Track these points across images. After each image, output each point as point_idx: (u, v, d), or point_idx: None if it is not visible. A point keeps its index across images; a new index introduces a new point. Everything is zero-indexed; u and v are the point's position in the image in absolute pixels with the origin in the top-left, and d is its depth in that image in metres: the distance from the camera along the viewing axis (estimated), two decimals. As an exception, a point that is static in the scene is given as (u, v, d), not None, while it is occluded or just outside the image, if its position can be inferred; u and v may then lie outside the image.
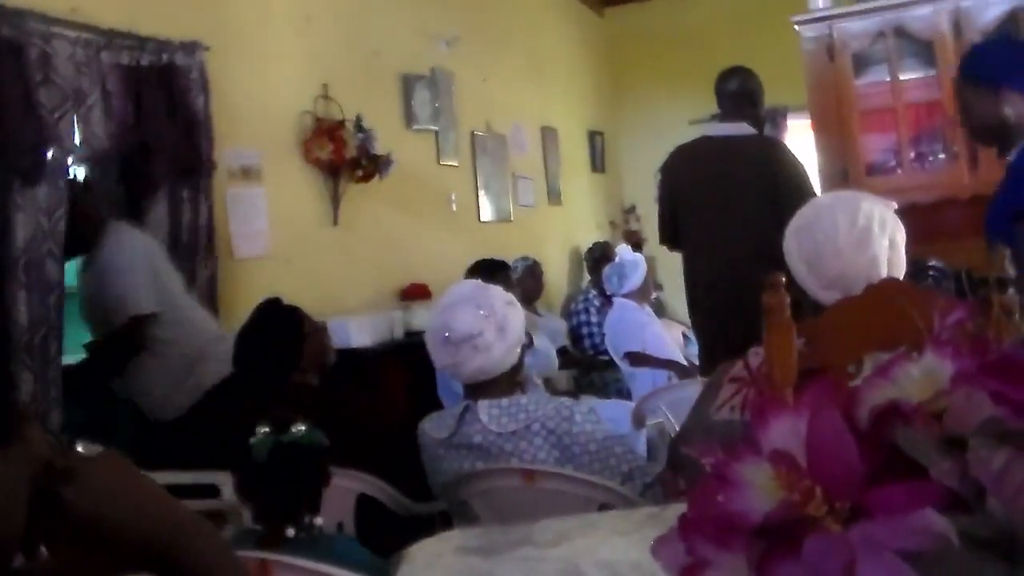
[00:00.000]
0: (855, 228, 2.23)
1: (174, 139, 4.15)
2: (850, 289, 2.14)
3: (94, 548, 0.90)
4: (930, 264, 4.17)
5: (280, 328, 3.29)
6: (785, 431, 0.77)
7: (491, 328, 2.61)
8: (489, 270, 5.40)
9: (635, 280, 6.23)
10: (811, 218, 2.33)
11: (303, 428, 2.23)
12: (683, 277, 4.45)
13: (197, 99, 4.30)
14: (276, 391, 3.18)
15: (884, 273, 2.20)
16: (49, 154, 3.64)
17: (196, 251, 4.27)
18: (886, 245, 2.24)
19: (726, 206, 4.15)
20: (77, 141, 3.78)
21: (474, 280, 2.86)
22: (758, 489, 0.73)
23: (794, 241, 2.32)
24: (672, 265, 4.86)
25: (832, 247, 2.23)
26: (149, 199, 4.12)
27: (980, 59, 3.12)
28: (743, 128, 4.31)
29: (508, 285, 5.16)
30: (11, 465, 0.84)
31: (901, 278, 2.29)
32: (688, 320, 4.77)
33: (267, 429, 2.21)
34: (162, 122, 4.12)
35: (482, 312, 2.63)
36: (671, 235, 4.50)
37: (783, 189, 4.03)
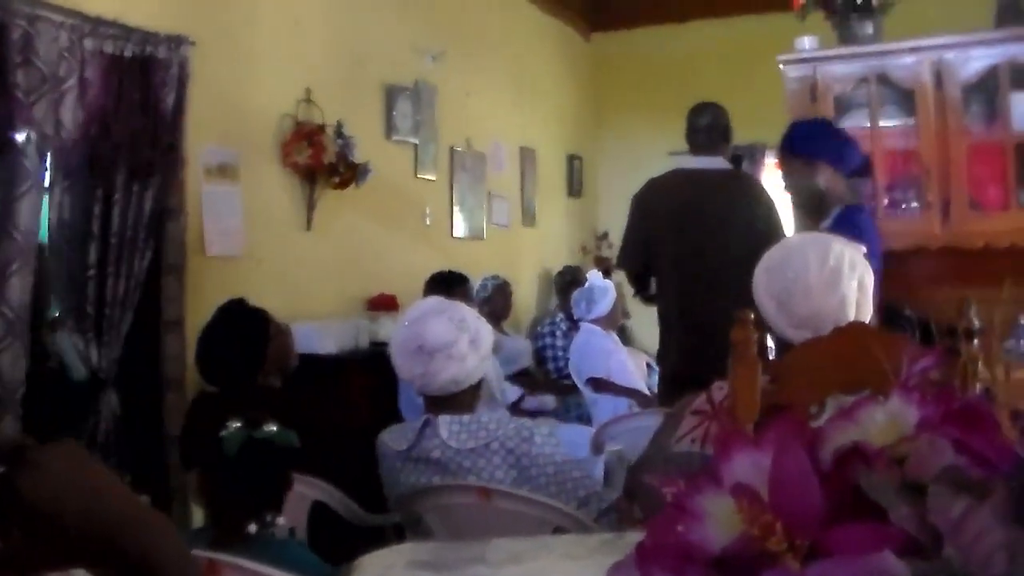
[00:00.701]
0: (825, 268, 2.25)
1: (140, 131, 4.12)
2: (819, 329, 2.16)
3: (47, 537, 0.89)
4: (897, 311, 4.20)
5: (245, 328, 3.28)
6: (747, 465, 0.77)
7: (464, 339, 2.64)
8: (448, 283, 5.40)
9: (604, 306, 6.25)
10: (782, 257, 2.35)
11: (275, 428, 2.22)
12: (657, 308, 4.45)
13: (171, 94, 4.27)
14: (240, 391, 3.17)
15: (852, 314, 2.22)
16: (21, 136, 3.60)
17: (138, 244, 4.22)
18: (855, 287, 2.26)
19: (699, 239, 4.16)
20: (49, 124, 3.76)
21: (438, 297, 2.88)
22: (718, 521, 0.73)
23: (764, 279, 2.34)
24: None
25: (802, 286, 2.25)
26: (109, 189, 4.08)
27: (799, 136, 3.57)
28: (719, 162, 4.33)
29: (467, 299, 5.18)
30: None
31: (868, 320, 2.31)
32: (653, 349, 4.76)
33: (239, 424, 2.20)
34: (132, 114, 4.09)
35: (454, 323, 2.65)
36: (635, 266, 4.50)
37: (758, 225, 4.06)
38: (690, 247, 4.19)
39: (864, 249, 2.38)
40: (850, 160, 3.55)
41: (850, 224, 3.32)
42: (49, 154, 3.86)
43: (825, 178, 3.48)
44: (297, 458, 2.29)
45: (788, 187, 3.62)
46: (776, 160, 3.59)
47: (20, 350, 3.66)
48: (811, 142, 3.56)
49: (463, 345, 2.63)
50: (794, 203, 3.69)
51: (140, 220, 4.18)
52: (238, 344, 3.24)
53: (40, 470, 0.89)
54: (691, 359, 4.08)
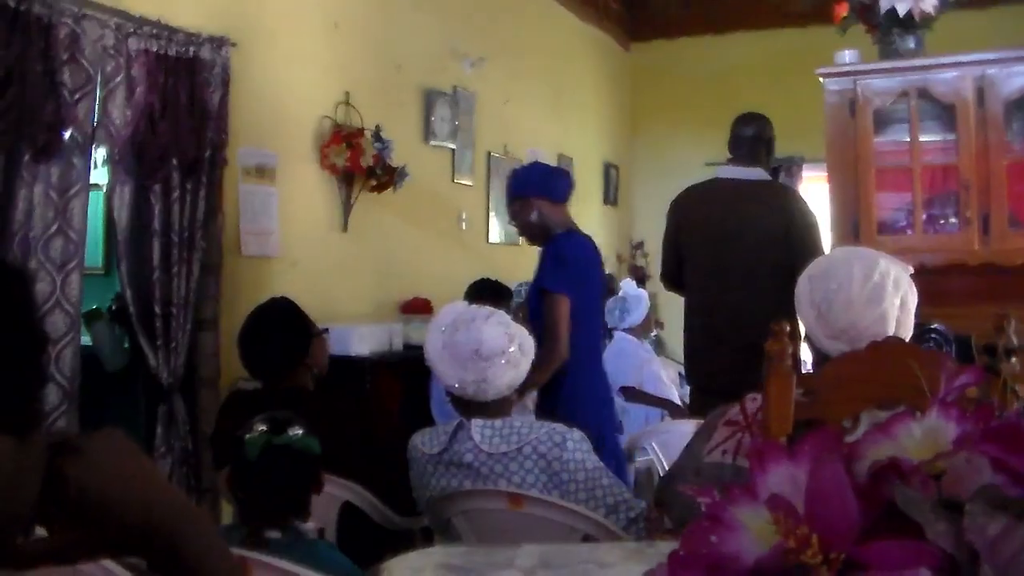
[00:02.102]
0: (869, 282, 2.23)
1: (187, 131, 4.16)
2: (855, 342, 2.14)
3: (93, 525, 0.90)
4: (932, 327, 4.17)
5: (290, 323, 3.31)
6: (783, 478, 0.77)
7: (516, 344, 2.65)
8: (494, 293, 5.38)
9: (637, 315, 6.23)
10: (827, 267, 2.33)
11: (300, 432, 2.23)
12: (683, 317, 4.45)
13: (215, 94, 4.30)
14: (274, 390, 3.18)
15: (891, 332, 2.20)
16: (67, 134, 3.65)
17: (195, 244, 4.25)
18: (897, 304, 2.24)
19: (734, 250, 4.15)
20: (96, 123, 3.80)
21: (464, 303, 2.87)
22: (752, 533, 0.73)
23: (807, 287, 2.32)
24: (674, 304, 4.85)
25: (844, 296, 2.23)
26: (155, 188, 4.11)
27: (516, 180, 4.07)
28: (758, 173, 4.31)
29: (507, 309, 5.18)
30: (29, 451, 0.83)
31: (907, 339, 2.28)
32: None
33: (264, 427, 2.21)
34: (178, 113, 4.13)
35: (502, 328, 2.66)
36: (673, 274, 4.50)
37: (793, 238, 4.04)
38: (722, 256, 4.18)
39: (912, 270, 2.37)
40: (560, 189, 4.04)
41: (556, 247, 3.83)
42: (101, 152, 3.92)
43: (542, 210, 3.92)
44: (319, 464, 2.29)
45: (516, 226, 4.09)
46: (507, 206, 4.13)
47: (78, 344, 3.74)
48: (523, 184, 4.01)
49: (515, 351, 2.64)
50: (530, 240, 4.09)
51: (194, 220, 4.22)
52: (282, 339, 3.26)
53: (85, 455, 0.90)
54: (720, 369, 4.07)
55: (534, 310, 3.87)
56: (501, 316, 2.71)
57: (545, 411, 3.70)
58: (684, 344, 4.44)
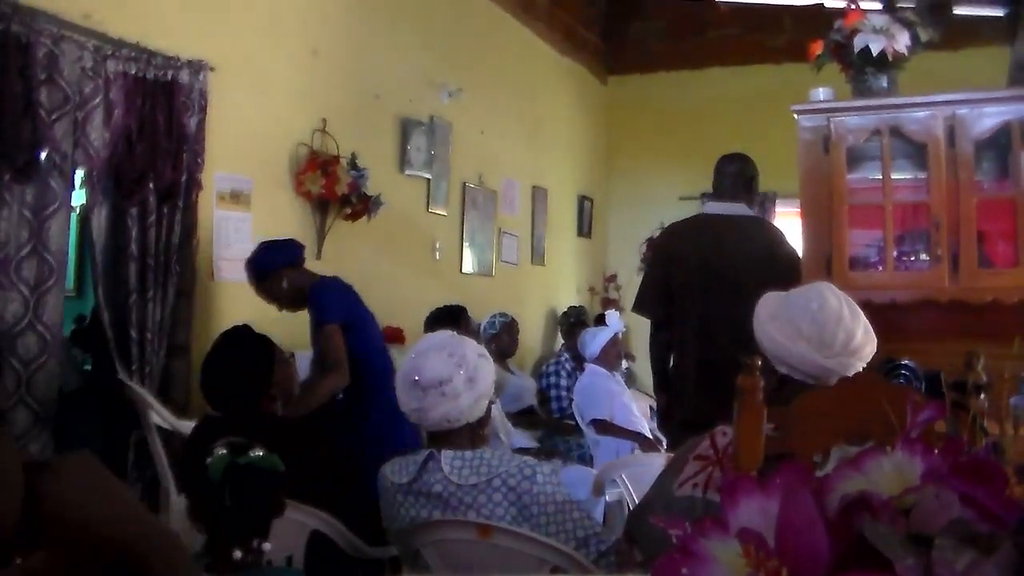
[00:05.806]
0: (842, 298, 2.27)
1: (163, 154, 4.15)
2: (856, 354, 2.17)
3: (68, 544, 0.90)
4: (902, 363, 4.18)
5: (250, 354, 3.27)
6: (754, 511, 0.77)
7: (460, 377, 2.62)
8: (449, 318, 5.40)
9: (595, 347, 6.27)
10: (794, 299, 2.33)
11: (260, 453, 2.21)
12: (674, 352, 4.47)
13: (192, 118, 4.31)
14: (242, 417, 3.15)
15: (873, 349, 2.23)
16: (43, 155, 3.64)
17: (171, 268, 4.24)
18: (864, 320, 2.28)
19: (719, 283, 4.20)
20: (73, 144, 3.78)
21: (450, 332, 2.86)
22: (723, 565, 0.73)
23: (786, 328, 2.30)
24: (645, 338, 4.85)
25: (831, 314, 2.24)
26: (132, 211, 4.09)
27: (258, 263, 4.26)
28: (742, 209, 4.40)
29: (467, 328, 5.21)
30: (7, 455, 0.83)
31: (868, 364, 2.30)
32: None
33: (224, 451, 2.19)
34: (156, 136, 4.12)
35: (453, 360, 2.64)
36: (653, 307, 4.52)
37: (779, 271, 4.08)
38: (707, 290, 4.23)
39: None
40: (296, 254, 4.38)
41: (315, 293, 4.22)
42: (78, 174, 3.91)
43: (290, 277, 4.26)
44: (282, 482, 2.27)
45: (275, 302, 4.32)
46: (260, 288, 4.30)
47: (55, 367, 3.71)
48: (266, 263, 4.26)
49: (458, 383, 2.61)
50: (288, 307, 4.37)
51: (170, 244, 4.21)
52: (242, 369, 3.22)
53: (59, 475, 0.90)
54: (708, 403, 4.09)
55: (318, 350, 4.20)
56: (458, 348, 2.67)
57: (352, 423, 4.16)
58: (672, 377, 4.47)
